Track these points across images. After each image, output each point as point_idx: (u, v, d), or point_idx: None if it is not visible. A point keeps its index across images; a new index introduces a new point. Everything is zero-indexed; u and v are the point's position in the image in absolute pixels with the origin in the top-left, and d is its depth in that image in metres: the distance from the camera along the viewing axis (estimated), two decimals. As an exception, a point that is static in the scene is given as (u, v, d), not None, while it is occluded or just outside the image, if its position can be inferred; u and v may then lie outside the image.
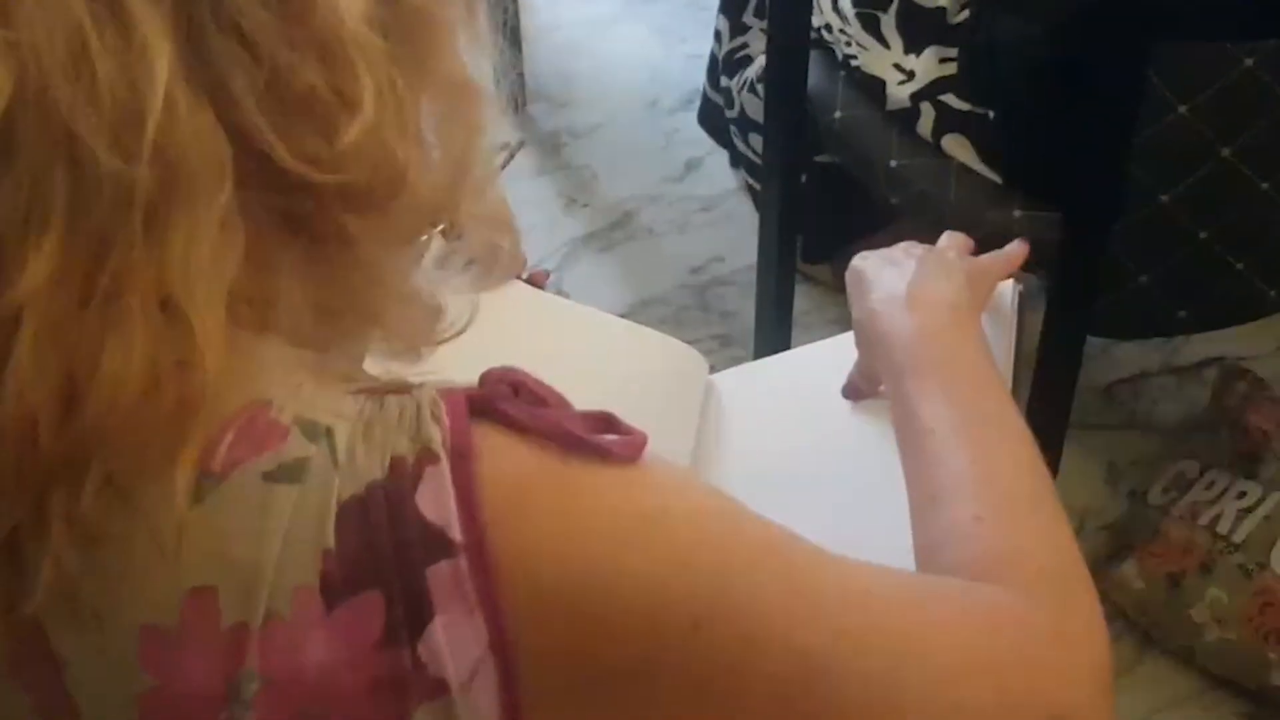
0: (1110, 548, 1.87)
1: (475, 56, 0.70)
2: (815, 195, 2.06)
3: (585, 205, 2.45)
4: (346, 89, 0.61)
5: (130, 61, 0.57)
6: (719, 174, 2.47)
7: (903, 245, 1.10)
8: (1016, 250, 1.15)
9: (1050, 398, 1.65)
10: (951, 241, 1.14)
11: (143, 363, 0.58)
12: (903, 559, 0.80)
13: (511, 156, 1.05)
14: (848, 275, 1.09)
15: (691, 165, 2.52)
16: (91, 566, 0.60)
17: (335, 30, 0.60)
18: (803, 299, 2.11)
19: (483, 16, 0.70)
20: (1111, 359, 2.13)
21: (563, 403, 0.66)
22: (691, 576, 0.63)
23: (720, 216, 2.42)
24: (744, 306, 2.15)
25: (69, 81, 0.56)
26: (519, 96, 2.55)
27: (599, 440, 0.64)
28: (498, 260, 0.78)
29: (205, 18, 0.59)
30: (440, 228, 0.74)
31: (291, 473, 0.61)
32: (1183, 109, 1.48)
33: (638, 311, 2.19)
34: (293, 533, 0.60)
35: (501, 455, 0.62)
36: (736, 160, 2.34)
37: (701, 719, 0.64)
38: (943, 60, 1.67)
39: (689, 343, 1.23)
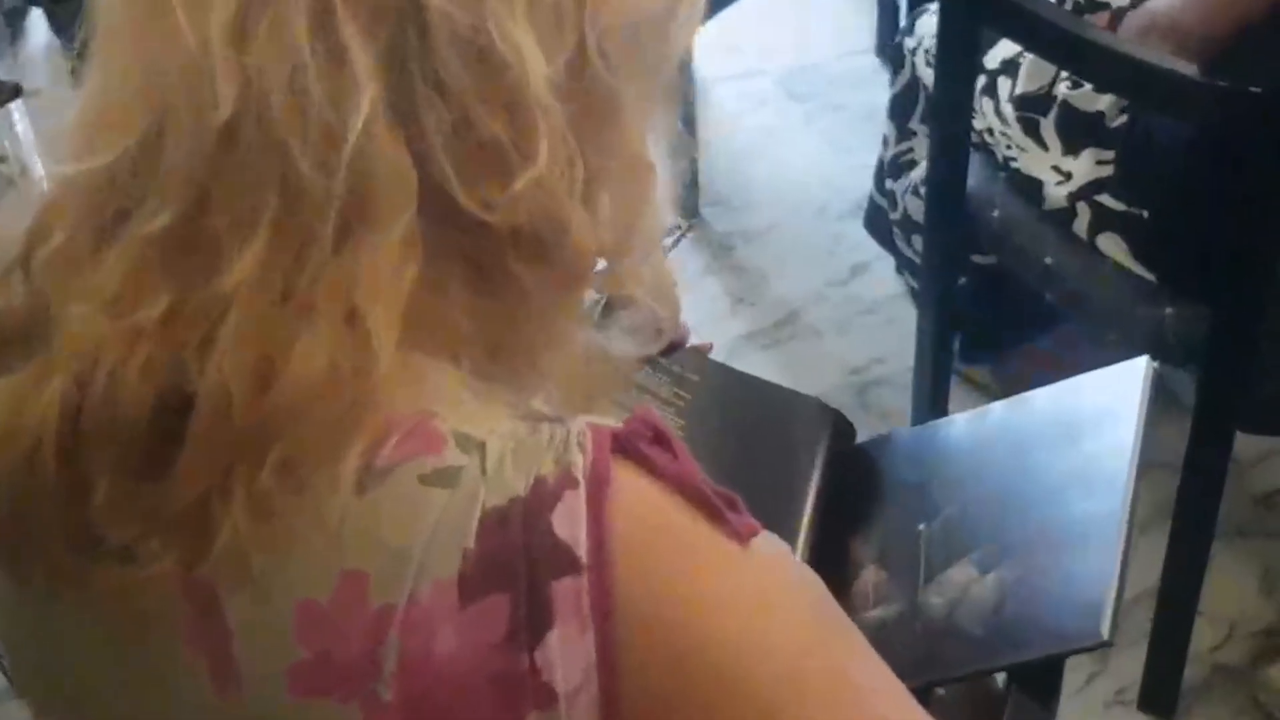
0: (1258, 652, 1.85)
1: (654, 138, 0.76)
2: (974, 296, 2.10)
3: (752, 304, 2.52)
4: (524, 142, 0.68)
5: (340, 91, 0.65)
6: (884, 279, 2.51)
7: None
8: None
9: (1199, 495, 1.65)
10: None
11: (326, 365, 0.65)
12: None
13: (683, 235, 1.11)
14: None
15: (857, 270, 2.56)
16: (262, 539, 0.66)
17: (522, 91, 0.67)
18: (960, 400, 2.13)
19: (668, 109, 0.77)
20: (1271, 466, 2.12)
21: (690, 461, 0.70)
22: (773, 665, 0.68)
23: (883, 320, 2.47)
24: (903, 407, 2.17)
25: (285, 100, 0.65)
26: (693, 201, 2.63)
27: (723, 510, 0.69)
28: (658, 330, 0.86)
29: (412, 66, 0.66)
30: (604, 295, 0.81)
31: (445, 478, 0.67)
32: (1333, 208, 1.50)
33: (797, 407, 2.23)
34: (440, 530, 0.66)
35: (635, 492, 0.68)
36: (901, 266, 2.38)
37: None
38: (1099, 162, 1.72)
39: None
